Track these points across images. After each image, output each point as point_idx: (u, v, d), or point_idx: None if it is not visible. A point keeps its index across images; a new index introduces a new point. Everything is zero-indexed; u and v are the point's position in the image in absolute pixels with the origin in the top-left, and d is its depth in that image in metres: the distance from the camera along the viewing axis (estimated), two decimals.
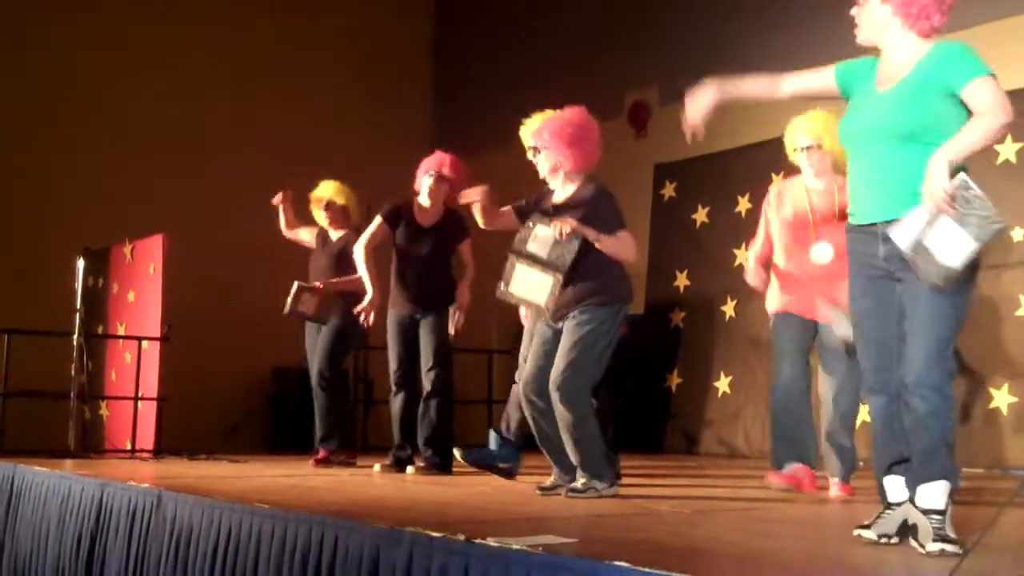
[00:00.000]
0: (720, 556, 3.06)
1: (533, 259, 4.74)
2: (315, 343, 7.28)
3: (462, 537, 2.95)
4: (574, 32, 10.98)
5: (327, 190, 7.40)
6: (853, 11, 3.45)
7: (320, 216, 7.43)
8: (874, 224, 3.29)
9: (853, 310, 3.46)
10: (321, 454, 7.06)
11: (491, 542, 2.87)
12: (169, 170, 10.22)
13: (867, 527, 3.23)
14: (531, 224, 4.80)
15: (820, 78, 3.55)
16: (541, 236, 4.77)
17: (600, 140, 4.99)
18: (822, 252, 5.11)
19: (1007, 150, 7.10)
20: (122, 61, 10.34)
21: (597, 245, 4.77)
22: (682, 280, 8.95)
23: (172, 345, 8.32)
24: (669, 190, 9.20)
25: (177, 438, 8.23)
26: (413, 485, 5.61)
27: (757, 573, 2.68)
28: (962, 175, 3.06)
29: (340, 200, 7.34)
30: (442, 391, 6.25)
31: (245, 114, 10.77)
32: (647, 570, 2.43)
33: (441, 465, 6.16)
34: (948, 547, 2.96)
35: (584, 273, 4.79)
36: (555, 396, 4.73)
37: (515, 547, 2.79)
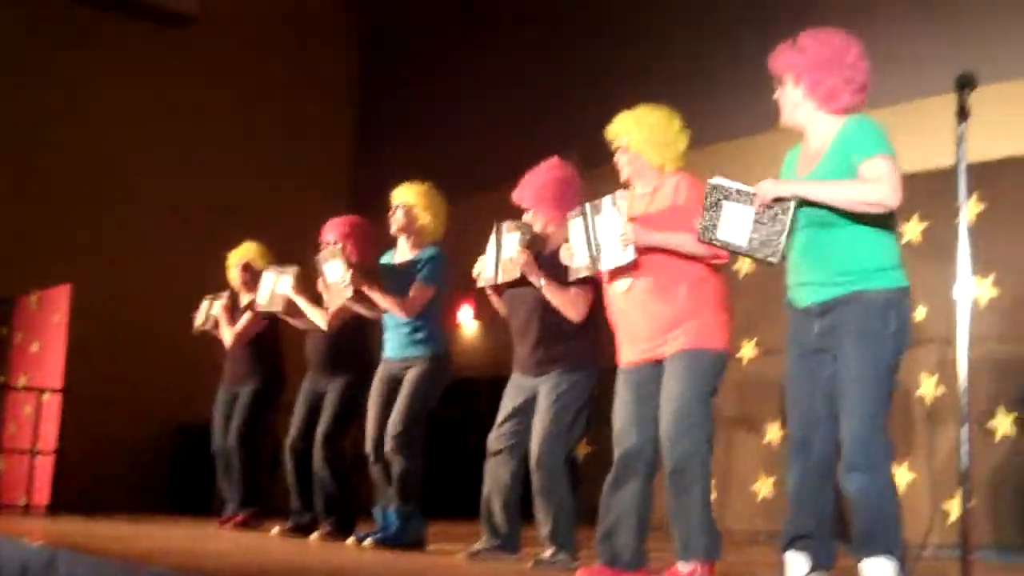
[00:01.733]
0: None
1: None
2: (226, 404, 7.21)
3: None
4: (496, 94, 11.09)
5: (247, 252, 7.32)
6: (776, 95, 3.56)
7: (235, 276, 7.33)
8: (808, 306, 3.43)
9: (786, 386, 3.56)
10: (240, 517, 6.94)
11: None
12: (78, 220, 10.05)
13: None
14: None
15: None
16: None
17: (580, 187, 5.05)
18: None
19: (912, 230, 7.31)
20: (33, 109, 10.16)
21: (542, 290, 4.78)
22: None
23: (74, 398, 8.15)
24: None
25: (75, 494, 8.02)
26: (314, 549, 5.53)
27: None
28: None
29: (258, 264, 7.21)
30: (331, 453, 6.17)
31: (158, 165, 10.65)
32: None
33: (343, 530, 6.06)
34: None
35: (564, 333, 4.84)
36: (535, 461, 4.76)
37: None
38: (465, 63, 11.58)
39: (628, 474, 4.16)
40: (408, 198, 5.84)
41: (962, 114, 3.17)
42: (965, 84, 3.19)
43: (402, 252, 5.90)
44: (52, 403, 8.17)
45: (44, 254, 9.52)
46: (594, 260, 4.16)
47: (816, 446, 3.41)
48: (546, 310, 4.84)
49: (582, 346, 4.89)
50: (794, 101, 3.51)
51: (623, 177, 4.34)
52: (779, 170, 3.68)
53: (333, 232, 6.32)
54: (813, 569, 3.39)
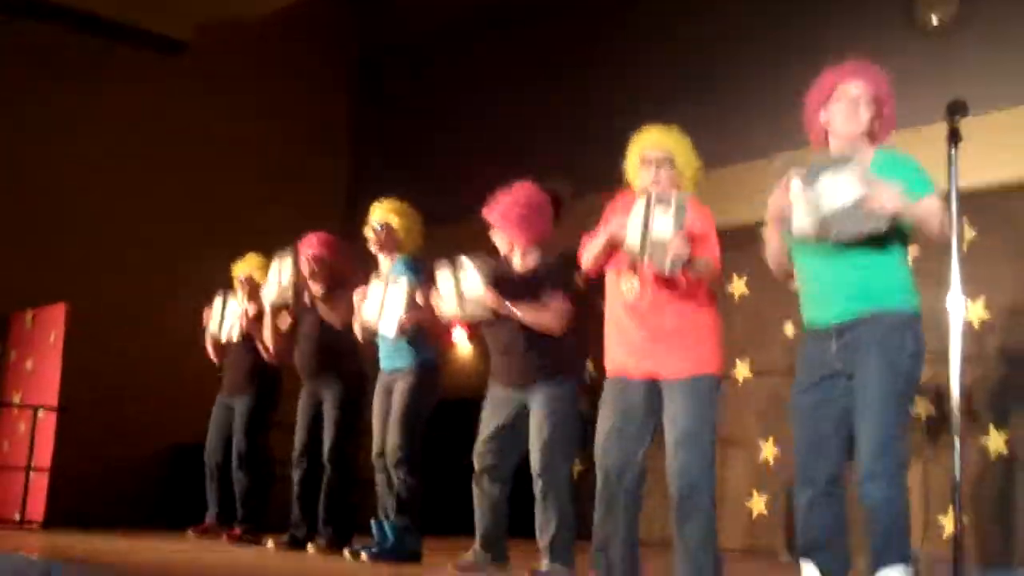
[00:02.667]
0: None
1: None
2: (222, 416, 7.24)
3: None
4: (490, 120, 11.15)
5: (248, 265, 7.34)
6: (861, 109, 3.54)
7: (238, 287, 7.32)
8: (827, 326, 3.48)
9: (794, 407, 3.59)
10: (236, 531, 6.96)
11: None
12: (75, 238, 10.03)
13: None
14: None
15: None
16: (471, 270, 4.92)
17: (550, 213, 5.14)
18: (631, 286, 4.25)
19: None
20: (28, 126, 10.16)
21: (521, 318, 4.86)
22: (589, 367, 9.04)
23: (69, 416, 8.15)
24: (578, 279, 9.32)
25: (69, 510, 8.02)
26: (311, 561, 5.55)
27: None
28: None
29: (258, 276, 7.17)
30: (338, 465, 6.22)
31: (155, 185, 10.66)
32: None
33: (339, 542, 6.08)
34: None
35: (552, 344, 4.90)
36: (539, 472, 4.81)
37: None
38: (460, 85, 11.64)
39: (616, 489, 4.17)
40: (388, 217, 5.99)
41: (953, 138, 3.23)
42: (956, 111, 3.25)
43: (383, 267, 6.02)
44: (47, 420, 8.17)
45: (39, 272, 9.49)
46: (642, 250, 3.98)
47: (823, 467, 3.48)
48: (525, 327, 4.91)
49: (567, 356, 4.99)
50: (865, 121, 3.55)
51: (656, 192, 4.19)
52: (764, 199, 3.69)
53: (309, 248, 6.44)
54: None
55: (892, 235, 3.38)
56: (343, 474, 6.22)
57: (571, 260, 4.79)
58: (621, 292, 4.24)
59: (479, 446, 5.08)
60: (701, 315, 4.16)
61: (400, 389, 5.73)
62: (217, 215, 10.66)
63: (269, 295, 6.54)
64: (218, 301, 7.26)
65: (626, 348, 4.20)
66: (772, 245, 3.71)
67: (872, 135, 3.58)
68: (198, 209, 10.71)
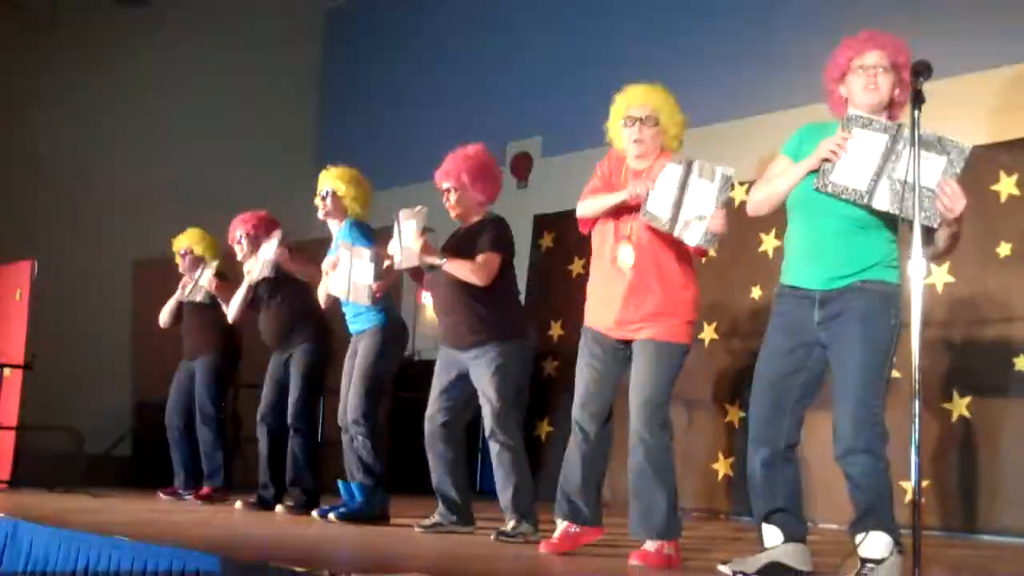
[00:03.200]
0: None
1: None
2: (184, 380, 7.26)
3: (326, 573, 2.96)
4: (460, 79, 11.11)
5: (189, 239, 7.40)
6: (880, 79, 3.51)
7: (178, 261, 7.44)
8: (813, 291, 3.49)
9: (761, 367, 3.62)
10: (205, 490, 7.00)
11: None
12: (39, 195, 9.95)
13: (726, 563, 3.46)
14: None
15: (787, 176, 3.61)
16: (411, 222, 5.04)
17: (497, 175, 5.24)
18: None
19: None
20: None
21: (446, 268, 4.95)
22: (556, 330, 9.04)
23: (35, 374, 8.10)
24: (547, 240, 9.31)
25: (35, 470, 7.98)
26: (279, 521, 5.57)
27: None
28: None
29: (198, 250, 7.35)
30: (304, 426, 6.24)
31: (121, 139, 10.57)
32: None
33: (307, 503, 6.11)
34: None
35: (490, 304, 4.95)
36: (489, 433, 4.86)
37: None
38: (430, 42, 11.59)
39: (589, 436, 4.27)
40: (333, 184, 6.02)
41: (916, 100, 3.24)
42: (919, 73, 3.25)
43: (335, 232, 6.05)
44: (13, 378, 8.12)
45: (4, 229, 9.42)
46: (672, 221, 3.93)
47: (784, 429, 3.51)
48: (464, 286, 4.95)
49: (510, 315, 5.02)
50: (889, 90, 3.53)
51: (636, 151, 4.27)
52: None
53: (241, 227, 6.64)
54: (786, 540, 3.49)
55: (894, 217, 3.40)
56: (308, 436, 6.23)
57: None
58: (605, 254, 4.27)
59: (428, 409, 5.14)
60: (686, 288, 4.22)
61: (362, 351, 5.76)
62: (183, 170, 10.59)
63: (256, 269, 6.49)
64: (199, 272, 7.28)
65: (606, 310, 4.25)
66: (779, 189, 3.61)
67: (893, 104, 3.56)
68: (164, 164, 10.63)
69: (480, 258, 4.93)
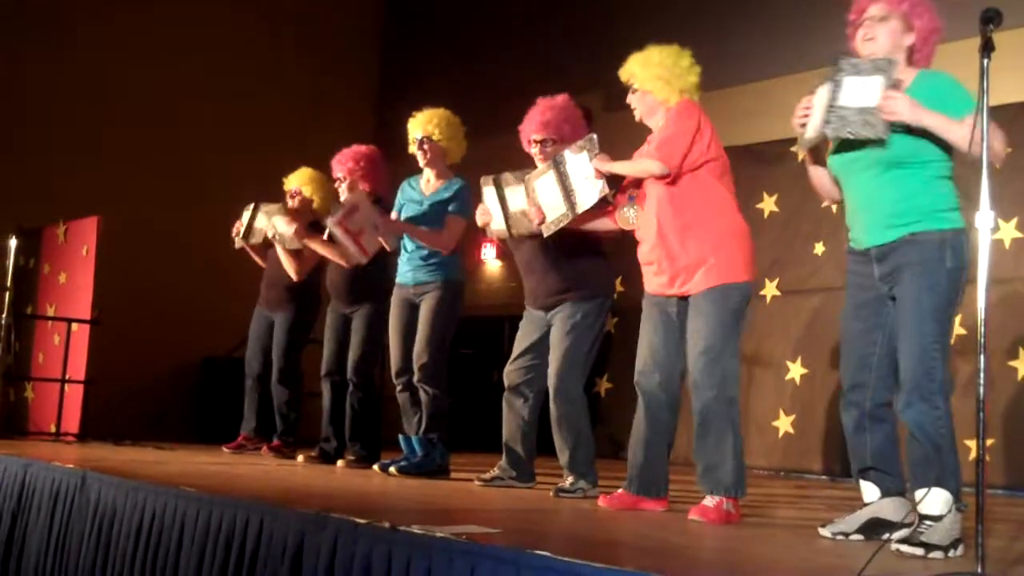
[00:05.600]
0: (637, 549, 3.13)
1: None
2: (262, 331, 7.24)
3: (387, 524, 2.99)
4: (520, 36, 11.04)
5: (298, 179, 7.21)
6: (866, 30, 3.50)
7: (290, 199, 7.21)
8: (867, 249, 3.47)
9: (842, 328, 3.60)
10: (276, 443, 7.02)
11: (415, 529, 2.91)
12: (107, 151, 10.07)
13: (825, 524, 3.46)
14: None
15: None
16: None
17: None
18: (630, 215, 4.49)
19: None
20: (64, 38, 10.17)
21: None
22: (617, 286, 9.01)
23: (102, 329, 8.24)
24: (608, 196, 9.27)
25: (103, 423, 8.14)
26: (340, 475, 5.63)
27: (668, 564, 2.74)
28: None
29: (307, 191, 7.14)
30: (363, 382, 6.28)
31: (186, 96, 10.66)
32: (567, 559, 2.48)
33: (368, 457, 6.17)
34: (916, 551, 3.06)
35: (571, 264, 4.94)
36: (552, 391, 4.87)
37: (439, 535, 2.83)
38: (489, 4, 11.52)
39: (654, 406, 4.23)
40: (428, 130, 5.84)
41: (986, 49, 3.15)
42: (990, 20, 3.16)
43: (427, 182, 5.95)
44: (80, 333, 8.26)
45: (72, 186, 9.56)
46: (572, 206, 4.41)
47: (870, 389, 3.48)
48: (549, 243, 4.89)
49: (593, 275, 4.98)
50: (896, 42, 3.47)
51: (637, 117, 4.40)
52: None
53: (341, 167, 6.43)
54: (883, 495, 3.47)
55: (927, 152, 3.33)
56: (368, 391, 6.28)
57: None
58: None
59: (508, 365, 5.17)
60: (717, 227, 4.16)
61: (429, 305, 5.72)
62: (248, 130, 10.69)
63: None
64: (246, 213, 7.20)
65: (647, 271, 4.31)
66: (811, 175, 3.69)
67: (914, 52, 3.50)
68: (229, 124, 10.73)
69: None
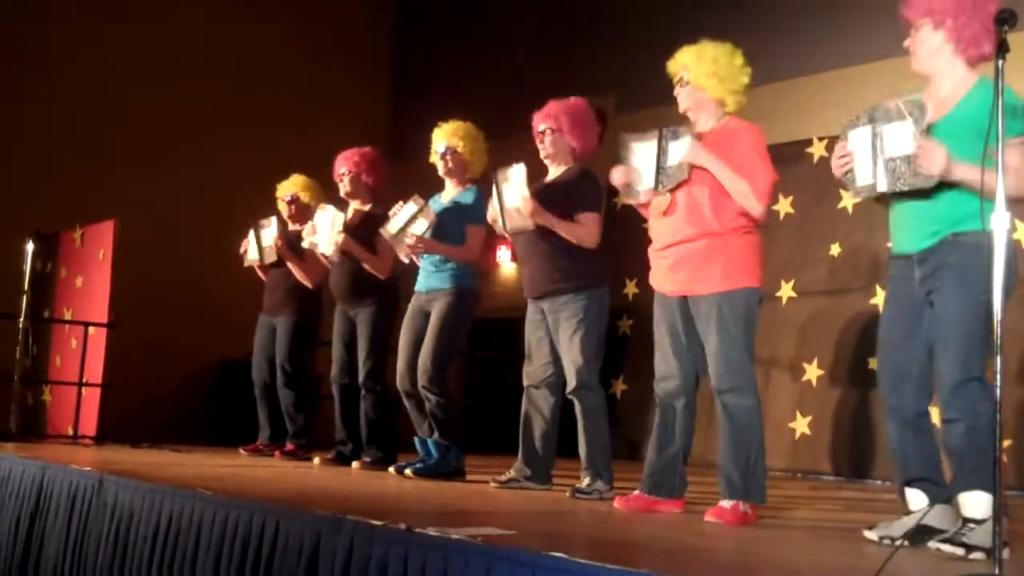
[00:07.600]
0: (653, 551, 3.13)
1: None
2: (266, 338, 7.30)
3: (403, 526, 2.99)
4: (533, 37, 11.05)
5: (293, 185, 7.39)
6: (907, 42, 3.50)
7: (283, 208, 7.41)
8: (910, 254, 3.44)
9: (881, 335, 3.58)
10: (289, 447, 7.05)
11: (431, 531, 2.91)
12: (123, 156, 10.12)
13: (872, 527, 3.43)
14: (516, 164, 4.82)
15: None
16: (514, 180, 4.93)
17: (597, 128, 5.24)
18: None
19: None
20: (78, 44, 10.22)
21: (556, 230, 4.90)
22: (631, 288, 9.02)
23: (119, 332, 8.28)
24: (622, 198, 9.28)
25: (120, 426, 8.18)
26: (356, 477, 5.64)
27: (685, 566, 2.74)
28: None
29: (304, 197, 7.31)
30: (376, 386, 6.29)
31: (202, 103, 10.70)
32: (583, 561, 2.48)
33: (384, 459, 6.17)
34: (957, 550, 3.05)
35: (566, 254, 4.96)
36: (572, 388, 4.90)
37: (455, 537, 2.83)
38: (503, 4, 11.52)
39: (672, 410, 4.24)
40: (453, 142, 5.87)
41: (1001, 50, 3.13)
42: (1004, 21, 3.14)
43: (447, 193, 5.96)
44: (98, 337, 8.30)
45: (88, 190, 9.60)
46: (660, 184, 4.15)
47: (909, 395, 3.45)
48: (544, 234, 4.94)
49: (586, 265, 5.00)
50: (933, 48, 3.45)
51: (681, 109, 4.30)
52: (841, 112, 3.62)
53: (345, 162, 6.52)
54: (932, 503, 3.43)
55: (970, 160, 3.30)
56: (382, 396, 6.29)
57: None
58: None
59: (526, 366, 5.20)
60: (731, 230, 4.13)
61: (437, 311, 5.73)
62: (262, 133, 10.70)
63: (323, 245, 6.44)
64: (251, 233, 7.27)
65: (660, 267, 4.32)
66: None
67: (976, 54, 3.42)
68: (244, 127, 10.75)
69: (581, 218, 4.97)
